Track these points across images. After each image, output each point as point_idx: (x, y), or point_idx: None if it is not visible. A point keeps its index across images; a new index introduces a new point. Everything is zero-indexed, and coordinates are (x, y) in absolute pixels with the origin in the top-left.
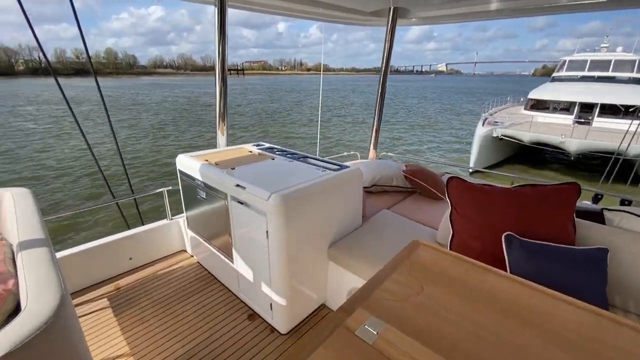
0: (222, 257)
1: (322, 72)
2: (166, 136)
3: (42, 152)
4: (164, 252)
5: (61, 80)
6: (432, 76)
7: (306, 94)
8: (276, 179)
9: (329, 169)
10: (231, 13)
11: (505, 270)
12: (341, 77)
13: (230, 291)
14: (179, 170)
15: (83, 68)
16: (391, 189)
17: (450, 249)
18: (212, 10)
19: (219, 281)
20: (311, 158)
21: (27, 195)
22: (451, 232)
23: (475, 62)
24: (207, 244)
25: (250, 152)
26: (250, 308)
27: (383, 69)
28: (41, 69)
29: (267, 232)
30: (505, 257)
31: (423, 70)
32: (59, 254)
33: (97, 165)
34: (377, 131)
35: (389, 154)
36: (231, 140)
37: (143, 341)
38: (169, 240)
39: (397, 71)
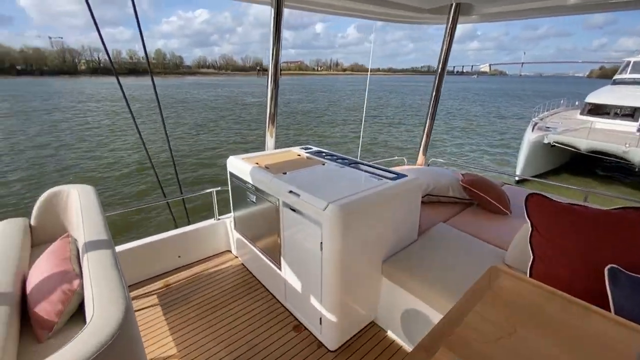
0: (268, 262)
1: (369, 72)
2: (211, 135)
3: (100, 147)
4: (210, 251)
5: (113, 78)
6: (474, 77)
7: (342, 94)
8: (331, 187)
9: (386, 177)
10: (270, 14)
11: (608, 310)
12: (378, 78)
13: (275, 298)
14: (230, 171)
15: (135, 68)
16: (446, 200)
17: (530, 276)
18: (254, 12)
19: (263, 286)
20: (363, 164)
21: (91, 193)
22: (531, 256)
23: (522, 63)
24: (253, 247)
25: (299, 155)
26: (296, 319)
27: (439, 69)
28: (100, 69)
29: (321, 243)
30: (609, 294)
31: (464, 70)
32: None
33: (150, 163)
34: (429, 135)
35: (439, 159)
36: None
37: (190, 343)
38: (216, 240)
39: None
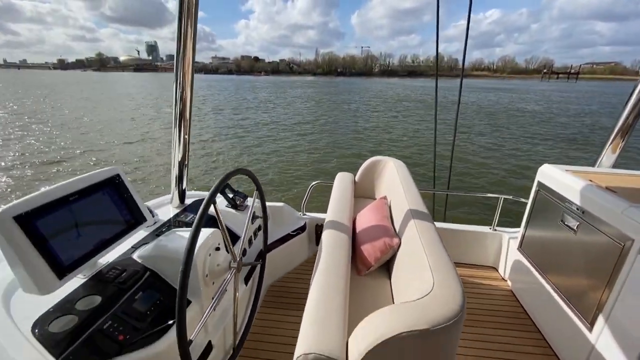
0: (567, 311)
1: None
2: (497, 143)
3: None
4: (474, 259)
5: (396, 79)
6: None
7: None
8: None
9: None
10: (585, 2)
11: None
12: None
13: (558, 357)
14: (539, 181)
15: (415, 70)
16: None
17: None
18: (559, 5)
19: (541, 333)
20: None
21: (404, 167)
22: None
23: None
24: (543, 281)
25: None
26: None
27: None
28: (387, 71)
29: None
30: None
31: None
32: None
33: (433, 158)
34: None
35: None
36: (538, 155)
37: None
38: (483, 251)
39: None
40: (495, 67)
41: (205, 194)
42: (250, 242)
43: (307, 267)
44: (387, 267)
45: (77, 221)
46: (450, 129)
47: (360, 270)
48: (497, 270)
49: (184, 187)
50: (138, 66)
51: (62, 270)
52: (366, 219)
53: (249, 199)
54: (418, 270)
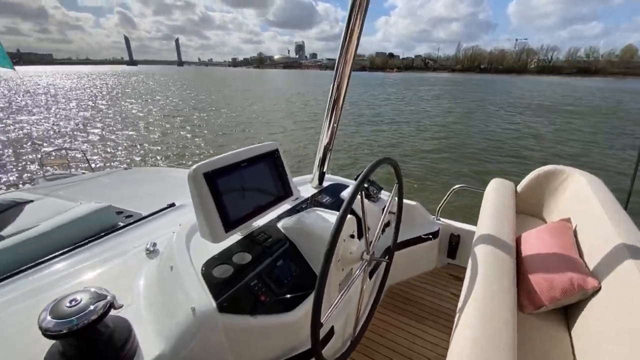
0: None
1: None
2: None
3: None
4: None
5: (556, 78)
6: None
7: None
8: None
9: None
10: None
11: None
12: None
13: None
14: None
15: (587, 67)
16: None
17: None
18: None
19: None
20: None
21: (599, 183)
22: None
23: None
24: None
25: None
26: None
27: None
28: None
29: None
30: None
31: None
32: None
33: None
34: None
35: None
36: None
37: None
38: None
39: None
40: None
41: (340, 179)
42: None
43: (431, 278)
44: (564, 310)
45: (243, 185)
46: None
47: (524, 306)
48: None
49: (324, 170)
50: (287, 64)
51: (229, 225)
52: (538, 243)
53: (383, 191)
54: (634, 334)
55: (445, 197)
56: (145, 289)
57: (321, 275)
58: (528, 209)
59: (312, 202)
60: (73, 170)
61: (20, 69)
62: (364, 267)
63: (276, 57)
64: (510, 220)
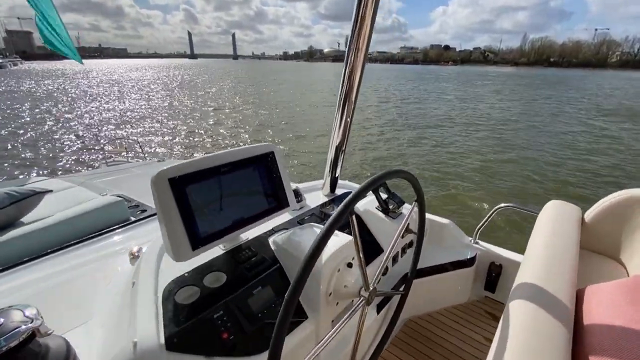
0: None
1: None
2: None
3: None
4: None
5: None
6: None
7: None
8: None
9: None
10: None
11: None
12: None
13: None
14: None
15: None
16: None
17: None
18: None
19: None
20: None
21: None
22: None
23: None
24: None
25: None
26: None
27: None
28: (631, 62)
29: None
30: None
31: None
32: None
33: None
34: None
35: None
36: None
37: None
38: None
39: None
40: None
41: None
42: (395, 259)
43: (462, 313)
44: None
45: (222, 193)
46: None
47: None
48: None
49: (337, 175)
50: (336, 57)
51: (197, 242)
52: (608, 303)
53: (405, 205)
54: None
55: (487, 217)
56: (108, 303)
57: (281, 315)
58: (598, 246)
59: (319, 213)
60: (131, 159)
61: (101, 62)
62: (361, 307)
63: (326, 50)
64: (571, 255)
